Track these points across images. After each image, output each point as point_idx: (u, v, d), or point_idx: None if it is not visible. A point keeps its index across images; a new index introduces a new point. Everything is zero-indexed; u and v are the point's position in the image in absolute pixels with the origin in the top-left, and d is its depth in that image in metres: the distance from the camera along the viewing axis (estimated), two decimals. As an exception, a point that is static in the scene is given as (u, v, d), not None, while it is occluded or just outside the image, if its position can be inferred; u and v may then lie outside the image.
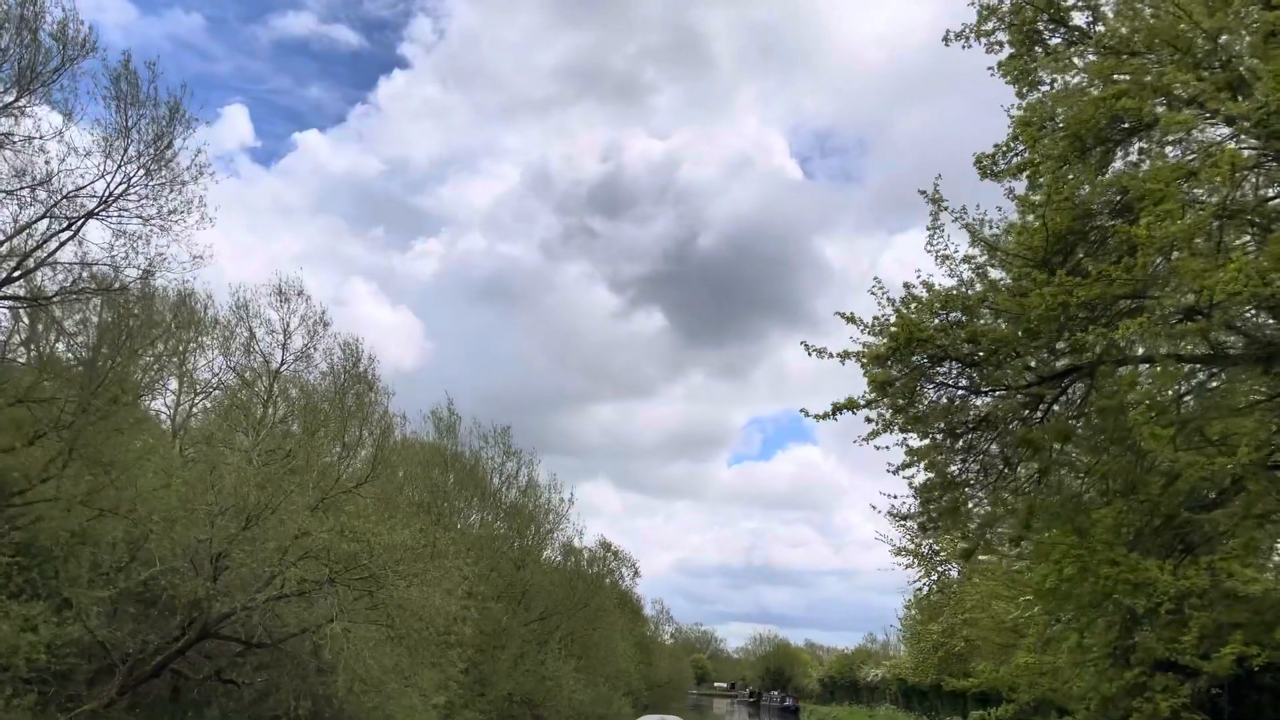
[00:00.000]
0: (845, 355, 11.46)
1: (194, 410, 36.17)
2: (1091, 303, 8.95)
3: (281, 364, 33.56)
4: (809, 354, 11.54)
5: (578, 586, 54.44)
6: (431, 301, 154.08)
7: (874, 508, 29.39)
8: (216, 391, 36.06)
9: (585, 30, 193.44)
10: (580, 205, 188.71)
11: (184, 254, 21.80)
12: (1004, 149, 11.59)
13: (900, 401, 9.86)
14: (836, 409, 11.07)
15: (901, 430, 10.86)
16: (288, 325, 33.76)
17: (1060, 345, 9.44)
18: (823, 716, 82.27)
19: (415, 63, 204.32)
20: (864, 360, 10.53)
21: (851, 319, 10.96)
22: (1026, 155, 11.01)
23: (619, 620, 66.08)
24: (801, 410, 11.38)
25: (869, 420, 11.13)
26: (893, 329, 9.70)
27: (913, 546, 31.10)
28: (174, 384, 35.01)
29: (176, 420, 35.18)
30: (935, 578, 31.35)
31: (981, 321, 9.43)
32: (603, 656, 56.67)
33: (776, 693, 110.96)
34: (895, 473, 11.70)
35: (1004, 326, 9.19)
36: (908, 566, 31.24)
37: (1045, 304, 8.78)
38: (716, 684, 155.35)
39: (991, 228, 11.33)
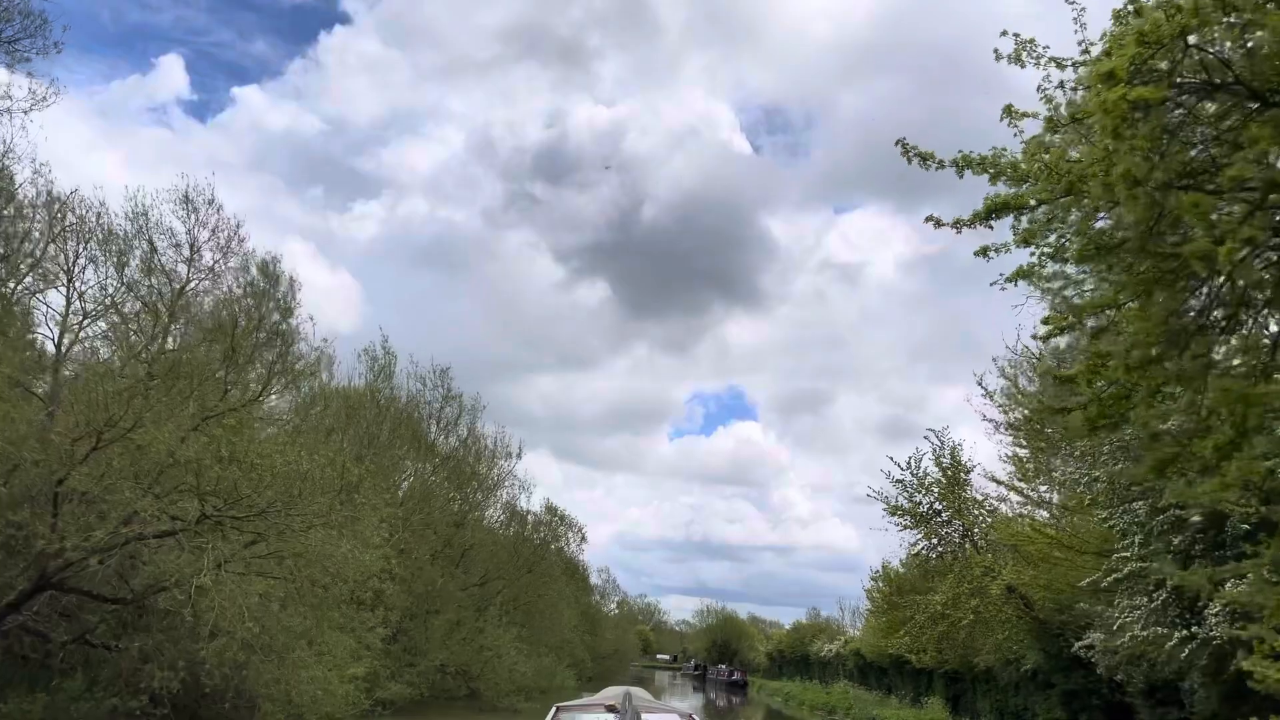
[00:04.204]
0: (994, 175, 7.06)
1: (81, 334, 31.01)
2: None
3: (187, 283, 28.52)
4: (916, 164, 7.27)
5: (522, 550, 50.21)
6: (371, 265, 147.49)
7: (969, 401, 25.15)
8: (111, 313, 30.89)
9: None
10: (523, 172, 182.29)
11: (21, 91, 17.07)
12: None
13: (1158, 148, 5.62)
14: (991, 209, 6.89)
15: (1079, 257, 6.65)
16: (195, 239, 28.73)
17: None
18: (773, 691, 79.15)
19: (356, 18, 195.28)
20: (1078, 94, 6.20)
21: (1022, 54, 6.63)
22: None
23: (565, 588, 61.96)
24: (930, 219, 7.26)
25: (1028, 244, 6.87)
26: (1146, 25, 5.41)
27: (909, 505, 27.39)
28: (59, 302, 30.03)
29: (63, 345, 30.00)
30: (936, 541, 27.76)
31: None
32: (547, 625, 52.65)
33: (723, 666, 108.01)
34: (1044, 340, 7.66)
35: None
36: (904, 528, 27.58)
37: None
38: (659, 656, 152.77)
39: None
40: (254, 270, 27.91)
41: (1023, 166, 7.25)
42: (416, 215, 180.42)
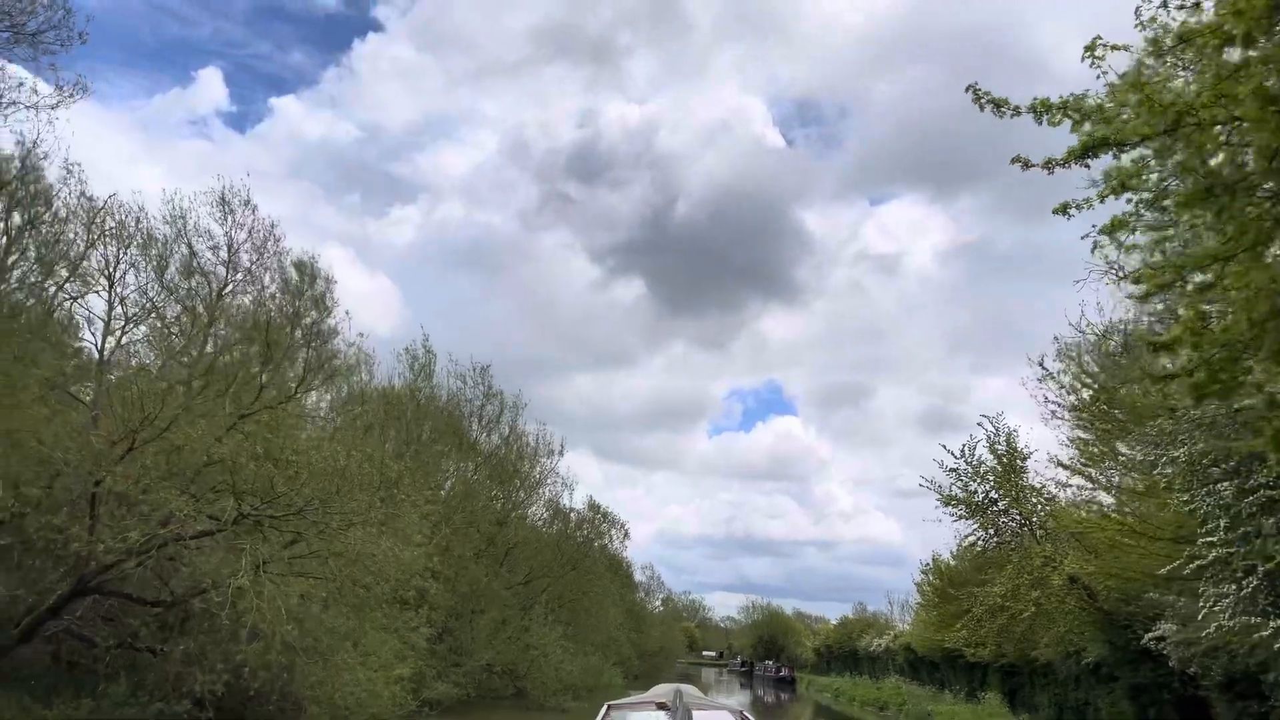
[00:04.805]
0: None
1: (123, 339, 31.05)
2: None
3: (225, 285, 28.37)
4: (989, 111, 6.56)
5: (565, 548, 49.77)
6: (409, 269, 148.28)
7: (1017, 390, 24.26)
8: (152, 317, 30.86)
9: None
10: (557, 173, 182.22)
11: (47, 88, 16.83)
12: None
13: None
14: (1088, 146, 6.18)
15: (1185, 201, 5.90)
16: (232, 240, 28.58)
17: None
18: (822, 687, 78.04)
19: (389, 25, 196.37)
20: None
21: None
22: None
23: (610, 585, 61.43)
24: (1017, 160, 6.59)
25: (1125, 189, 6.15)
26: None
27: (963, 495, 26.43)
28: (101, 306, 30.12)
29: (105, 350, 30.07)
30: (993, 531, 26.79)
31: None
32: (593, 624, 52.20)
33: (770, 662, 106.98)
34: (1141, 300, 6.95)
35: None
36: (959, 518, 26.61)
37: None
38: (705, 652, 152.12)
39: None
40: (290, 269, 27.75)
41: (1109, 106, 6.54)
42: (453, 219, 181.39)
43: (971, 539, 27.58)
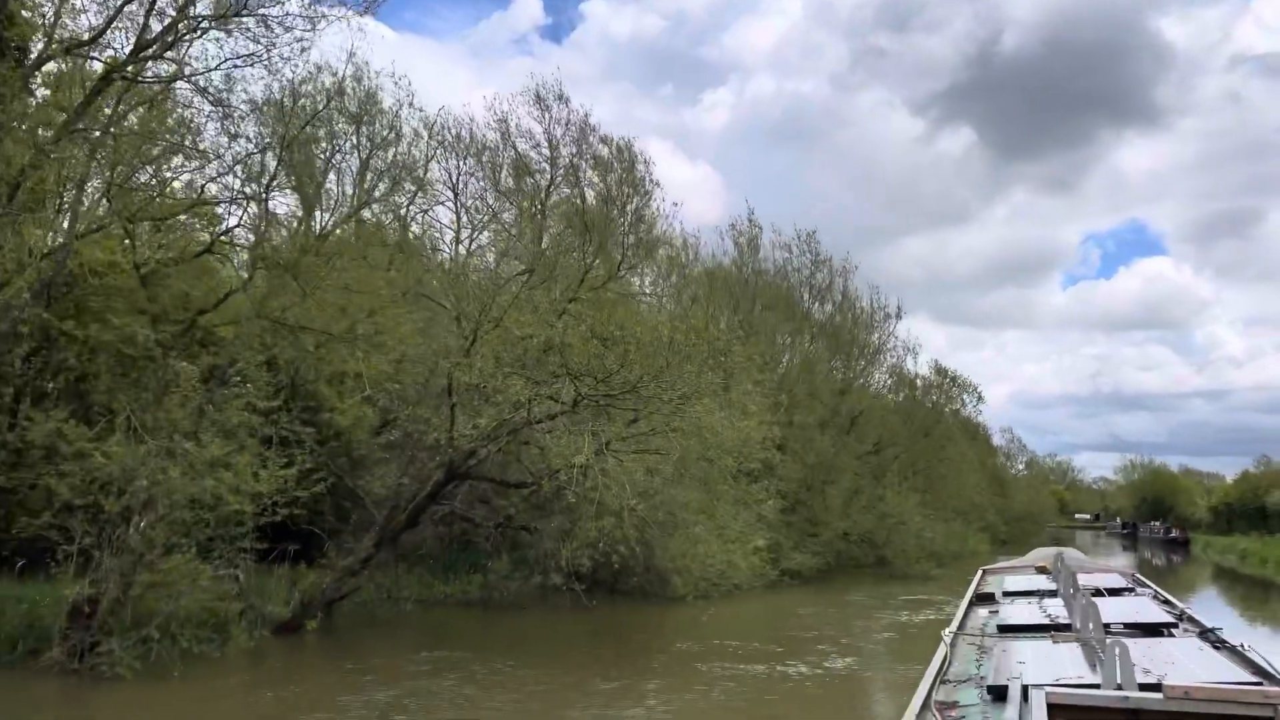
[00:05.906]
0: None
1: (472, 246, 33.34)
2: None
3: (551, 182, 29.27)
4: None
5: (915, 414, 47.77)
6: (727, 152, 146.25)
7: None
8: (493, 222, 32.83)
9: None
10: (866, 26, 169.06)
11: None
12: None
13: None
14: None
15: None
16: (552, 136, 29.29)
17: None
18: (1223, 549, 70.01)
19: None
20: None
21: None
22: None
23: (967, 451, 58.39)
24: None
25: None
26: None
27: None
28: (448, 217, 32.53)
29: (457, 255, 32.52)
30: None
31: None
32: (950, 490, 49.99)
33: (1157, 523, 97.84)
34: None
35: None
36: None
37: None
38: (1077, 515, 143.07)
39: None
40: (607, 152, 27.95)
41: None
42: (764, 94, 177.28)
43: None
